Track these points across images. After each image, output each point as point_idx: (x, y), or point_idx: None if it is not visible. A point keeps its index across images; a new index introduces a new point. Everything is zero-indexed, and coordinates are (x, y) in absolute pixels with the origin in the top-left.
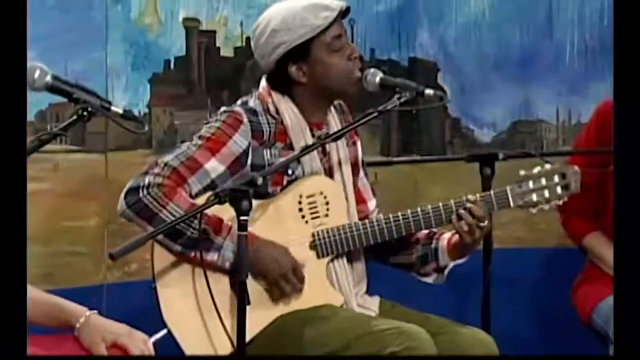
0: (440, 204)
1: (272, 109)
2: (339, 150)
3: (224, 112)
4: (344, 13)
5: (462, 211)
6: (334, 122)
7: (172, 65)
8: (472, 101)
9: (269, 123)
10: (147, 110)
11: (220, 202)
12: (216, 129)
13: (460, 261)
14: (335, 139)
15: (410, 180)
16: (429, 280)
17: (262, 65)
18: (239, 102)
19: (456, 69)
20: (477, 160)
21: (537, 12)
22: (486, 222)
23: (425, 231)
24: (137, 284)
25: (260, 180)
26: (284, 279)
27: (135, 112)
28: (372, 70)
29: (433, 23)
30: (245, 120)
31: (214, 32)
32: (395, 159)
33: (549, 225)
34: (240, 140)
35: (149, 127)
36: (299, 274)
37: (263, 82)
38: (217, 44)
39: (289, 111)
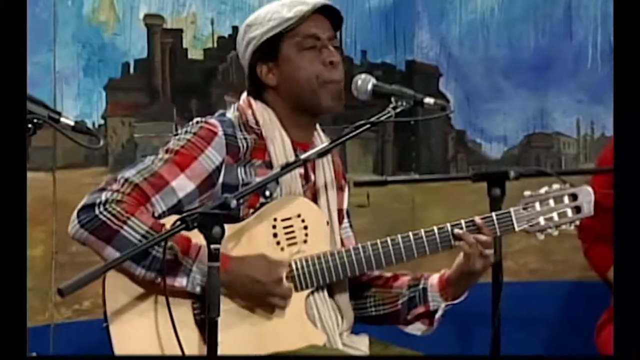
0: (435, 227)
1: (251, 120)
2: (325, 172)
3: (197, 122)
4: (330, 13)
5: (459, 231)
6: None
7: (131, 70)
8: (479, 111)
9: (246, 138)
10: (102, 122)
11: (188, 228)
12: (186, 142)
13: (454, 302)
14: (320, 155)
15: (408, 202)
16: (416, 331)
17: (244, 67)
18: (215, 114)
19: (461, 74)
20: (485, 179)
21: (554, 8)
22: (491, 251)
23: (408, 277)
24: (90, 324)
25: (234, 203)
26: (269, 295)
27: (89, 124)
28: (363, 76)
29: (434, 21)
30: (220, 132)
31: (181, 31)
32: (390, 178)
33: (568, 255)
34: (213, 155)
35: (104, 141)
36: (283, 281)
37: (244, 95)
38: (184, 45)
39: (270, 123)
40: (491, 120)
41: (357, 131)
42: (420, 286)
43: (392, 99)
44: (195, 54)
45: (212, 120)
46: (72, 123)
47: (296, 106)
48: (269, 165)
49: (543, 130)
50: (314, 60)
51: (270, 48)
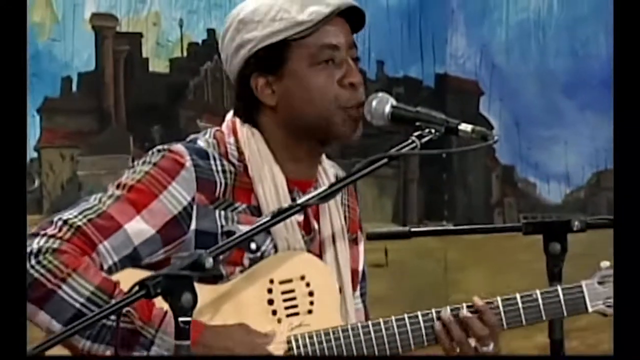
0: (419, 313)
1: (232, 151)
2: (333, 220)
3: (158, 151)
4: (351, 18)
5: (451, 323)
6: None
7: (74, 86)
8: (532, 140)
9: (225, 172)
10: (35, 155)
11: (149, 295)
12: (144, 175)
13: None
14: (322, 199)
15: (439, 261)
16: None
17: (231, 78)
18: (185, 140)
19: (508, 92)
20: (541, 231)
21: None
22: (491, 346)
23: None
24: None
25: (209, 262)
26: None
27: None
28: (379, 95)
29: (473, 22)
30: (188, 163)
31: (140, 35)
32: (415, 228)
33: None
34: (178, 193)
35: (38, 180)
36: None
37: (229, 115)
38: (144, 54)
39: (259, 156)
40: (549, 152)
41: (372, 167)
42: None
43: (418, 125)
44: (158, 65)
45: (178, 147)
46: None
47: (299, 132)
48: (256, 212)
49: None
50: (330, 77)
51: (271, 57)
